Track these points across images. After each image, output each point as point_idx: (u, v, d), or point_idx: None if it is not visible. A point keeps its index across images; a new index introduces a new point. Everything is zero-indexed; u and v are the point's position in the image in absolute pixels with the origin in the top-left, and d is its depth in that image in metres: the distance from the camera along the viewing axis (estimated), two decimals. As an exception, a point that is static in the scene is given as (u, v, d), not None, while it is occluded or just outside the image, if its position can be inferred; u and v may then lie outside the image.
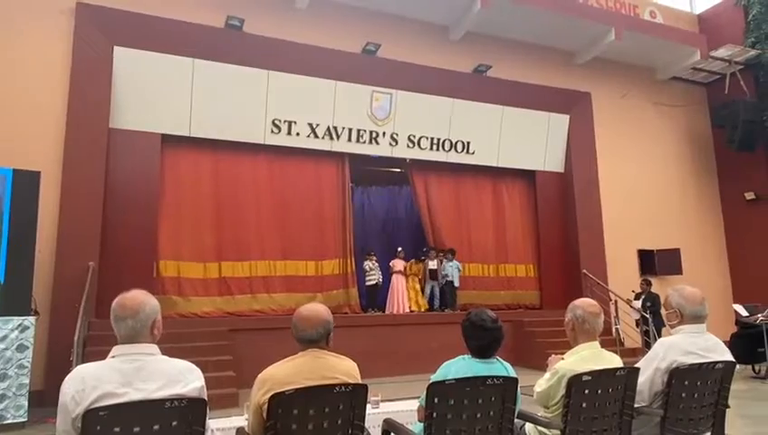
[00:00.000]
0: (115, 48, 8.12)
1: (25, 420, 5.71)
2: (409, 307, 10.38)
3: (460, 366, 2.59)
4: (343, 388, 2.23)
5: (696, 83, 13.30)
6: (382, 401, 4.12)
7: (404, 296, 10.39)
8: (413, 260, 10.83)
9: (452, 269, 10.43)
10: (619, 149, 11.95)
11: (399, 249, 10.91)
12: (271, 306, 9.14)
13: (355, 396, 2.26)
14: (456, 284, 10.46)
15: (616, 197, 11.64)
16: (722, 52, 11.99)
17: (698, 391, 2.83)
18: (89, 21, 7.98)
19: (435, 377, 2.53)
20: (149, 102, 8.38)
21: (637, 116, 12.36)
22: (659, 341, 3.00)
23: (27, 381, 5.76)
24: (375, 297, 10.49)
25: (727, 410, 2.98)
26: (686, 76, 12.99)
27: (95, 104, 7.90)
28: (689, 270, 11.65)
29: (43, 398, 6.26)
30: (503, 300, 10.92)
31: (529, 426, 2.84)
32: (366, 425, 2.34)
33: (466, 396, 2.38)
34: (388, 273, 10.67)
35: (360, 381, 2.35)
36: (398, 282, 10.51)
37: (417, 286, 10.61)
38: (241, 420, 3.15)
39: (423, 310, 10.39)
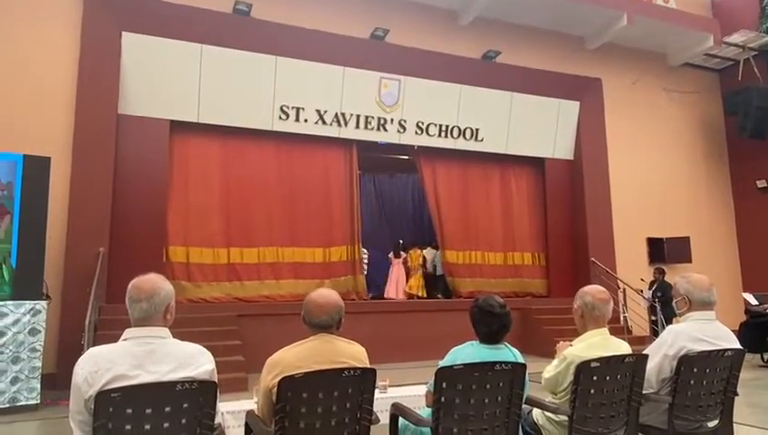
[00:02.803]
0: (123, 34, 8.10)
1: (38, 402, 5.79)
2: (407, 294, 10.88)
3: (468, 352, 2.60)
4: (352, 372, 2.24)
5: (709, 70, 13.11)
6: (390, 386, 4.15)
7: (397, 284, 10.92)
8: (413, 250, 11.41)
9: (433, 258, 11.14)
10: (630, 137, 11.83)
11: (401, 242, 11.62)
12: (279, 292, 9.18)
13: (364, 380, 2.28)
14: (435, 272, 11.21)
15: (626, 184, 11.55)
16: (735, 37, 11.79)
17: (707, 378, 2.83)
18: (97, 6, 7.97)
19: (443, 362, 2.54)
20: (158, 88, 8.37)
21: (648, 103, 12.22)
22: (668, 328, 3.00)
23: (39, 364, 5.83)
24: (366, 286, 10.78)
25: (736, 398, 2.98)
26: (698, 62, 12.80)
27: (104, 90, 7.90)
28: (699, 258, 11.58)
29: (55, 381, 6.36)
30: (510, 288, 10.90)
31: (536, 411, 2.86)
32: (374, 409, 2.36)
33: (475, 381, 2.39)
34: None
35: (369, 366, 2.36)
36: (394, 270, 11.14)
37: (419, 274, 11.19)
38: (250, 404, 3.18)
39: (420, 293, 10.95)
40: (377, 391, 2.41)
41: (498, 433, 2.47)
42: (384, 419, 2.69)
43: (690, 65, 12.78)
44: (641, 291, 10.20)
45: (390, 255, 11.12)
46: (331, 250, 9.78)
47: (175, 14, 8.36)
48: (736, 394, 2.97)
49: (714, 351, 2.81)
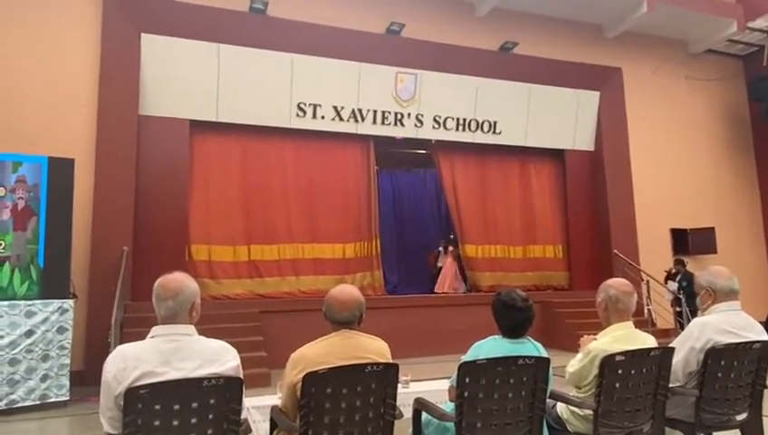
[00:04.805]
0: (142, 35, 8.20)
1: (67, 398, 5.91)
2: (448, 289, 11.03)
3: (491, 346, 2.58)
4: (375, 367, 2.25)
5: (732, 56, 12.81)
6: (412, 380, 4.16)
7: (445, 279, 11.10)
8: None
9: None
10: (652, 126, 11.63)
11: (451, 237, 11.69)
12: (299, 288, 9.26)
13: (386, 375, 2.29)
14: None
15: (648, 175, 11.37)
16: (760, 22, 11.50)
17: (735, 371, 2.79)
18: (116, 9, 8.07)
19: (466, 357, 2.53)
20: (177, 89, 8.46)
21: (670, 91, 11.99)
22: (694, 320, 2.96)
23: (68, 361, 5.96)
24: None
25: (765, 390, 2.93)
26: (721, 49, 12.50)
27: (125, 92, 8.01)
28: (724, 249, 11.35)
29: (84, 378, 6.49)
30: (531, 281, 10.82)
31: (561, 406, 2.84)
32: (397, 404, 2.37)
33: (498, 376, 2.38)
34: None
35: (391, 361, 2.37)
36: (446, 267, 11.31)
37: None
38: (274, 399, 3.21)
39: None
40: (399, 385, 2.42)
41: (522, 428, 2.46)
42: (407, 413, 2.69)
43: (713, 52, 12.50)
44: (666, 282, 10.05)
45: (441, 250, 11.42)
46: (350, 246, 9.81)
47: (192, 14, 8.44)
48: (765, 387, 2.92)
49: (741, 343, 2.76)
